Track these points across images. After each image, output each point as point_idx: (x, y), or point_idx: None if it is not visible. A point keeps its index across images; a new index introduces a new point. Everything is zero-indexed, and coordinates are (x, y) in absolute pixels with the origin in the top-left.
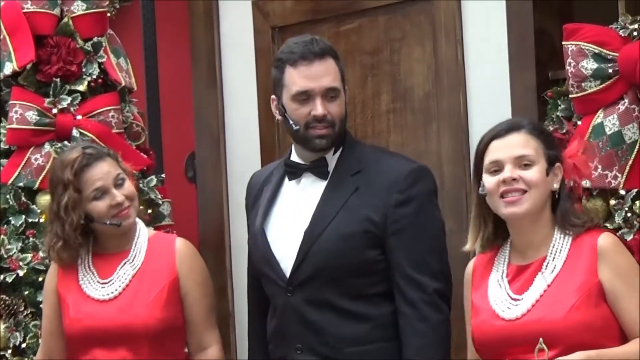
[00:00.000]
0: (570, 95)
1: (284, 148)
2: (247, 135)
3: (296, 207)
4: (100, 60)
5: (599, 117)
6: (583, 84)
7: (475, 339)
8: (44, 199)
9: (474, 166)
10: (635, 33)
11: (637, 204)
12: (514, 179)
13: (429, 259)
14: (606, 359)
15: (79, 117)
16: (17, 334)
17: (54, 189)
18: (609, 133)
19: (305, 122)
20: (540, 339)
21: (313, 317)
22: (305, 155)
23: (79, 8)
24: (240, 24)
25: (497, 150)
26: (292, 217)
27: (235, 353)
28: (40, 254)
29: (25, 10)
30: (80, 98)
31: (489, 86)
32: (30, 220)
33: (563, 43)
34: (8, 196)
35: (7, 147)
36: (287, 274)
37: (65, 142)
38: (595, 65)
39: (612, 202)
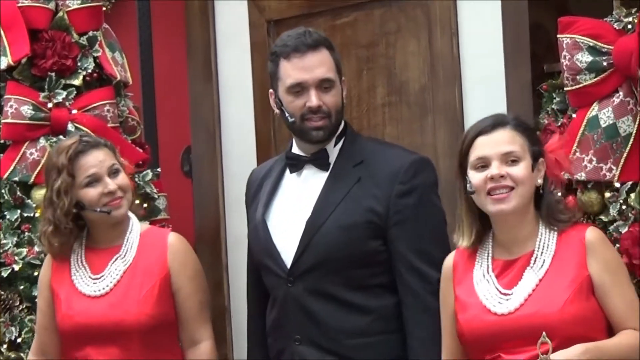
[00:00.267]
0: (565, 88)
1: (280, 142)
2: (243, 129)
3: (297, 198)
4: (95, 55)
5: (593, 109)
6: (578, 77)
7: (465, 334)
8: (39, 194)
9: (459, 162)
10: (629, 26)
11: (632, 197)
12: (502, 176)
13: (431, 249)
14: (604, 350)
15: (74, 111)
16: (13, 328)
17: (48, 175)
18: (603, 126)
19: (301, 114)
20: (544, 333)
21: (313, 308)
22: (306, 148)
23: (74, 2)
24: (235, 18)
25: (484, 146)
26: (294, 208)
27: (232, 348)
28: (36, 248)
29: (20, 5)
30: (75, 92)
31: (485, 79)
32: (25, 214)
33: (558, 36)
34: (3, 191)
35: (2, 141)
36: (288, 265)
37: (61, 137)
38: (590, 58)
39: (607, 194)
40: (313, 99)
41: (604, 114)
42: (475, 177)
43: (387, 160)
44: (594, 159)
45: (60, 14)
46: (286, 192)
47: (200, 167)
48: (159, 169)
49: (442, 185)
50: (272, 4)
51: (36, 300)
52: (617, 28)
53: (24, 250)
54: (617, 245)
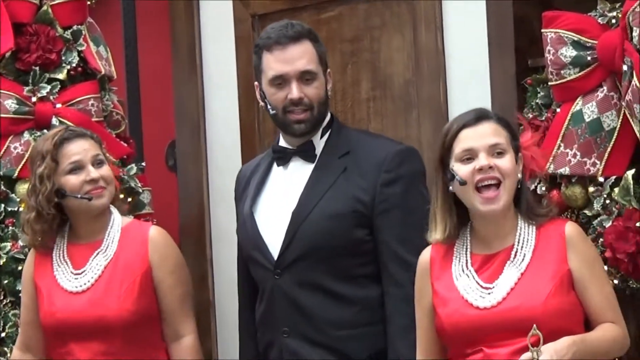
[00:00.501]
0: (549, 83)
1: (265, 136)
2: (228, 123)
3: (284, 190)
4: (79, 49)
5: (577, 104)
6: (562, 72)
7: (446, 328)
8: (23, 188)
9: (440, 156)
10: (614, 21)
11: (616, 191)
12: (490, 167)
13: (416, 238)
14: (588, 343)
15: (58, 105)
16: None
17: (33, 163)
18: (587, 120)
19: (283, 106)
20: (534, 325)
21: (301, 300)
22: (292, 140)
23: None
24: (220, 13)
25: (469, 138)
26: (280, 200)
27: (216, 341)
28: (20, 242)
29: None
30: (59, 86)
31: (469, 74)
32: (9, 209)
33: (542, 31)
34: None
35: None
36: (275, 256)
37: (45, 131)
38: (574, 53)
39: (591, 189)
40: (294, 91)
41: (588, 108)
42: (462, 169)
43: (373, 150)
44: (578, 153)
45: (45, 7)
46: (273, 185)
47: (185, 161)
48: (143, 163)
49: (426, 178)
50: None
51: (20, 294)
52: (601, 23)
53: (8, 245)
54: (601, 239)
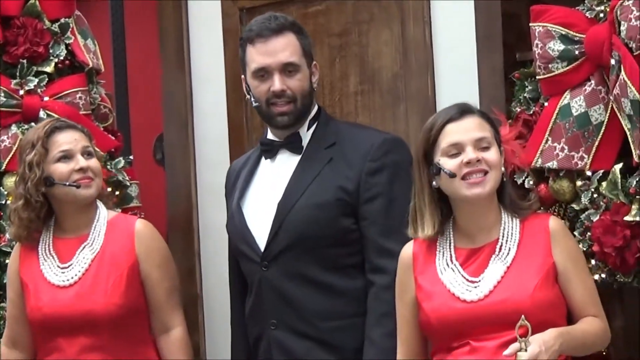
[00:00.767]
0: (537, 77)
1: (253, 130)
2: (216, 117)
3: (271, 183)
4: (67, 42)
5: (565, 98)
6: (550, 66)
7: (432, 322)
8: (11, 181)
9: (424, 151)
10: (601, 15)
11: (604, 185)
12: (478, 160)
13: (400, 228)
14: (573, 335)
15: (46, 98)
16: None
17: (22, 152)
18: (575, 114)
19: (266, 98)
20: (522, 316)
21: (288, 291)
22: (279, 133)
23: None
24: (208, 6)
25: (455, 133)
26: (267, 193)
27: (204, 335)
28: (7, 236)
29: None
30: (47, 79)
31: (457, 68)
32: None
33: (530, 25)
34: None
35: None
36: (262, 249)
37: (33, 124)
38: (562, 47)
39: (579, 183)
40: (276, 83)
41: (576, 102)
42: (449, 163)
43: (359, 140)
44: (566, 147)
45: (32, 0)
46: (261, 178)
47: (173, 155)
48: (131, 157)
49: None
50: None
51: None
52: (589, 17)
53: None
54: (589, 233)
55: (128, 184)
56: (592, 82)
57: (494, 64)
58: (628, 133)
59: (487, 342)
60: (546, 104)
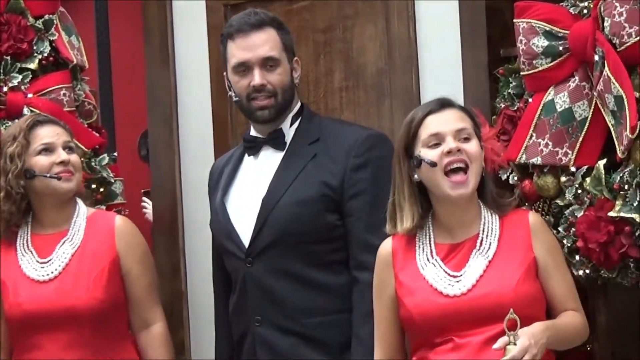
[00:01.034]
0: (521, 73)
1: (237, 126)
2: (200, 113)
3: (255, 179)
4: (51, 38)
5: (549, 94)
6: (534, 62)
7: (414, 318)
8: None
9: (404, 144)
10: (585, 11)
11: (588, 181)
12: (459, 150)
13: (385, 224)
14: (558, 329)
15: (29, 95)
16: None
17: (4, 145)
18: (559, 110)
19: (247, 93)
20: (511, 309)
21: (272, 287)
22: (262, 129)
23: None
24: (192, 2)
25: (436, 124)
26: (251, 189)
27: (189, 332)
28: None
29: None
30: (31, 76)
31: (441, 63)
32: None
33: (514, 21)
34: None
35: None
36: (247, 245)
37: (16, 121)
38: (546, 43)
39: (563, 178)
40: (256, 77)
41: (560, 98)
42: (429, 154)
43: (343, 136)
44: (550, 143)
45: None
46: (244, 175)
47: (158, 151)
48: (115, 154)
49: None
50: None
51: None
52: (573, 13)
53: None
54: (573, 229)
55: (112, 180)
56: (576, 78)
57: (479, 60)
58: (612, 129)
59: (471, 338)
60: (530, 99)
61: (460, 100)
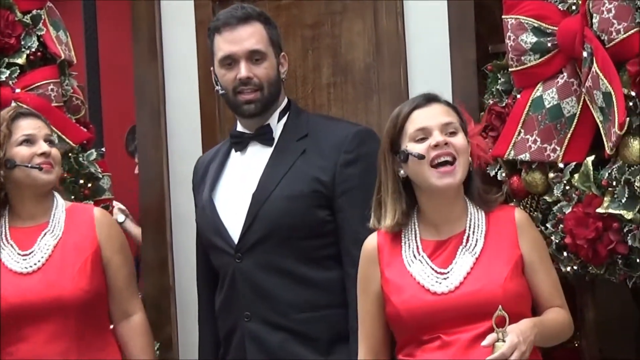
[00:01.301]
0: (510, 69)
1: (225, 121)
2: (188, 108)
3: (243, 175)
4: (39, 33)
5: (538, 90)
6: (522, 58)
7: (402, 315)
8: None
9: (390, 139)
10: (574, 7)
11: (576, 177)
12: (446, 143)
13: None
14: (545, 325)
15: (17, 90)
16: None
17: None
18: (548, 106)
19: (233, 87)
20: (500, 306)
21: (262, 282)
22: (249, 124)
23: None
24: None
25: (423, 118)
26: (240, 184)
27: (176, 327)
28: None
29: None
30: (19, 71)
31: (430, 59)
32: None
33: (503, 17)
34: None
35: None
36: (236, 240)
37: None
38: (534, 39)
39: (551, 175)
40: (242, 70)
41: (548, 94)
42: (417, 148)
43: (331, 132)
44: (538, 139)
45: None
46: (232, 170)
47: (145, 147)
48: (103, 149)
49: None
50: None
51: None
52: (561, 9)
53: None
54: (561, 225)
55: (100, 176)
56: (565, 74)
57: (467, 56)
58: (600, 125)
59: (459, 335)
60: (519, 96)
61: (448, 96)
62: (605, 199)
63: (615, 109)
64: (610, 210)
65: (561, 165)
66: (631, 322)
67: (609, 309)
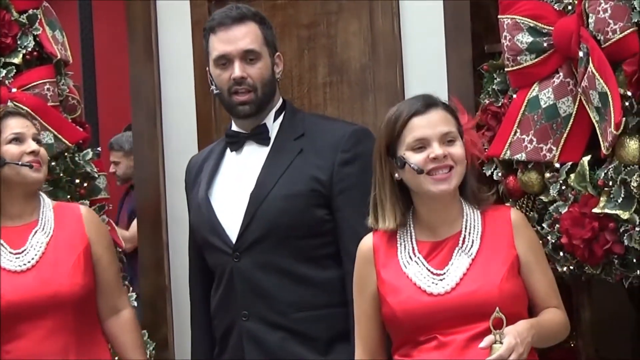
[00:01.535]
0: (505, 69)
1: (221, 121)
2: (184, 108)
3: (240, 174)
4: (35, 33)
5: (534, 90)
6: (518, 58)
7: (398, 316)
8: None
9: (387, 143)
10: (570, 7)
11: (572, 177)
12: (444, 156)
13: None
14: (542, 325)
15: (13, 89)
16: None
17: None
18: (544, 106)
19: (228, 87)
20: (497, 308)
21: (261, 282)
22: (245, 124)
23: None
24: None
25: (421, 127)
26: (236, 184)
27: (172, 326)
28: None
29: None
30: (15, 71)
31: (426, 59)
32: None
33: (499, 17)
34: None
35: None
36: (234, 239)
37: None
38: (530, 39)
39: (547, 175)
40: (236, 69)
41: (544, 94)
42: (414, 157)
43: (328, 131)
44: (534, 139)
45: None
46: (228, 169)
47: (141, 146)
48: (99, 148)
49: None
50: None
51: None
52: (557, 9)
53: None
54: (557, 225)
55: (96, 175)
56: (561, 74)
57: (463, 56)
58: (596, 125)
59: (456, 336)
60: (514, 96)
61: (444, 96)
62: (601, 199)
63: (611, 108)
64: (607, 210)
65: (557, 165)
66: (627, 322)
67: (605, 309)
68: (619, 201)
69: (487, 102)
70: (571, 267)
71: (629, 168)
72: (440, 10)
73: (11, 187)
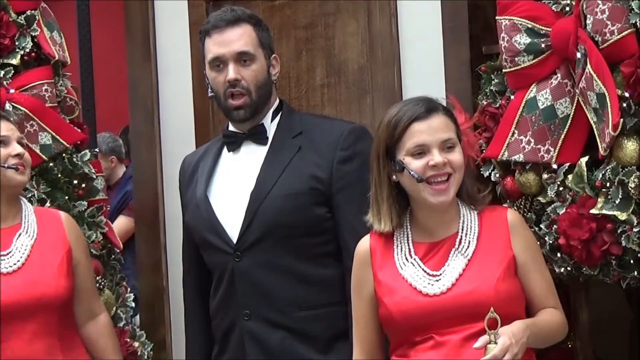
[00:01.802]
0: (503, 70)
1: (218, 122)
2: (182, 109)
3: (238, 174)
4: (33, 34)
5: (532, 91)
6: (516, 59)
7: (395, 317)
8: None
9: (386, 146)
10: (567, 8)
11: (570, 178)
12: (444, 163)
13: None
14: (539, 326)
15: (12, 90)
16: None
17: None
18: (541, 107)
19: (223, 90)
20: (492, 308)
21: (262, 281)
22: (242, 126)
23: None
24: None
25: (422, 133)
26: (235, 183)
27: (170, 328)
28: None
29: None
30: (13, 72)
31: (423, 60)
32: None
33: (497, 18)
34: None
35: None
36: (234, 239)
37: None
38: (528, 40)
39: (545, 176)
40: (230, 72)
41: (542, 95)
42: (414, 163)
43: (326, 130)
44: (532, 140)
45: None
46: (226, 169)
47: (139, 147)
48: (97, 149)
49: None
50: None
51: None
52: (555, 10)
53: None
54: (555, 226)
55: (94, 176)
56: (558, 75)
57: (461, 57)
58: (594, 126)
59: (451, 336)
60: (512, 97)
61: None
62: (599, 199)
63: (609, 110)
64: (604, 211)
65: (555, 166)
66: (625, 322)
67: (602, 310)
68: (617, 202)
69: (485, 103)
70: (569, 268)
71: (626, 169)
72: (438, 11)
73: None
